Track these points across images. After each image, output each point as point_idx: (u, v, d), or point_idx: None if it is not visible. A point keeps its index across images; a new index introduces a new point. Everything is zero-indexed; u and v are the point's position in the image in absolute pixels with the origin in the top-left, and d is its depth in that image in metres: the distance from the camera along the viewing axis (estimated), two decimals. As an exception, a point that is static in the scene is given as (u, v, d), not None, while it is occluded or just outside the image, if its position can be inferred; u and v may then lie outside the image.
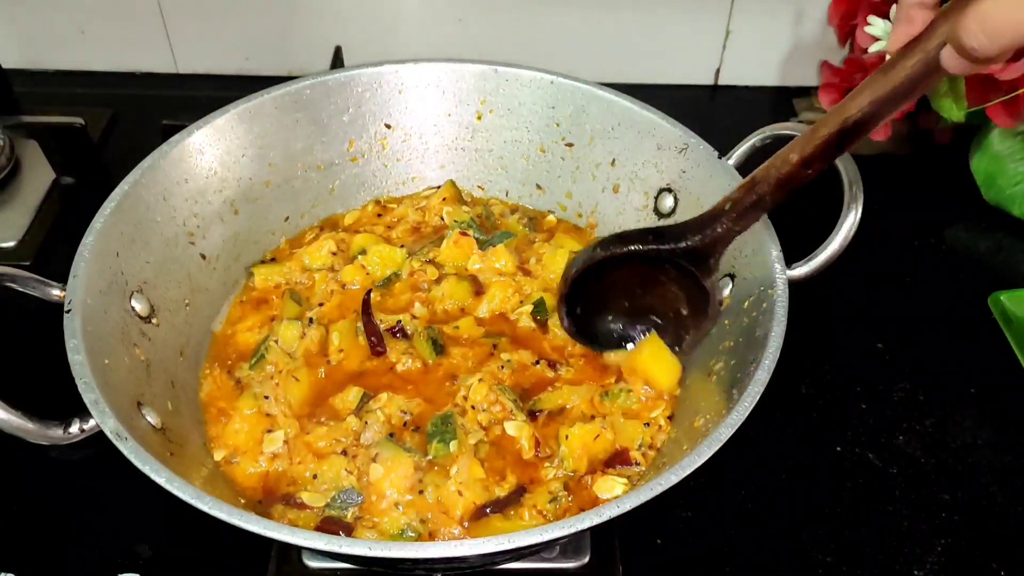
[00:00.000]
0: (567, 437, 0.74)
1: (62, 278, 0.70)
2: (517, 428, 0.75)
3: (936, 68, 0.56)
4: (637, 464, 0.75)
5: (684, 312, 0.78)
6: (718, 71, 1.33)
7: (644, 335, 0.81)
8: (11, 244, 1.04)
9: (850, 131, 0.62)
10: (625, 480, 0.73)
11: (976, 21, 0.50)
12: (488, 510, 0.71)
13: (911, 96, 0.59)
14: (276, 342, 0.82)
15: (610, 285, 0.78)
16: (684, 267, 0.73)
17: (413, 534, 0.70)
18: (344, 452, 0.74)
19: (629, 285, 0.78)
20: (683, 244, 0.73)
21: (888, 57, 0.60)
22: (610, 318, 0.81)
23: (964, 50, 0.52)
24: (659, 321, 0.80)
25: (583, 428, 0.75)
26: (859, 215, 0.73)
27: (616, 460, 0.75)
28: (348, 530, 0.69)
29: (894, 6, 0.59)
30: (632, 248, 0.74)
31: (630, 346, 0.82)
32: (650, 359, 0.80)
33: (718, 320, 0.77)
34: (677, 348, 0.80)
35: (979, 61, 0.52)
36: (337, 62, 1.19)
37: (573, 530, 0.57)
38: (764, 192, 0.68)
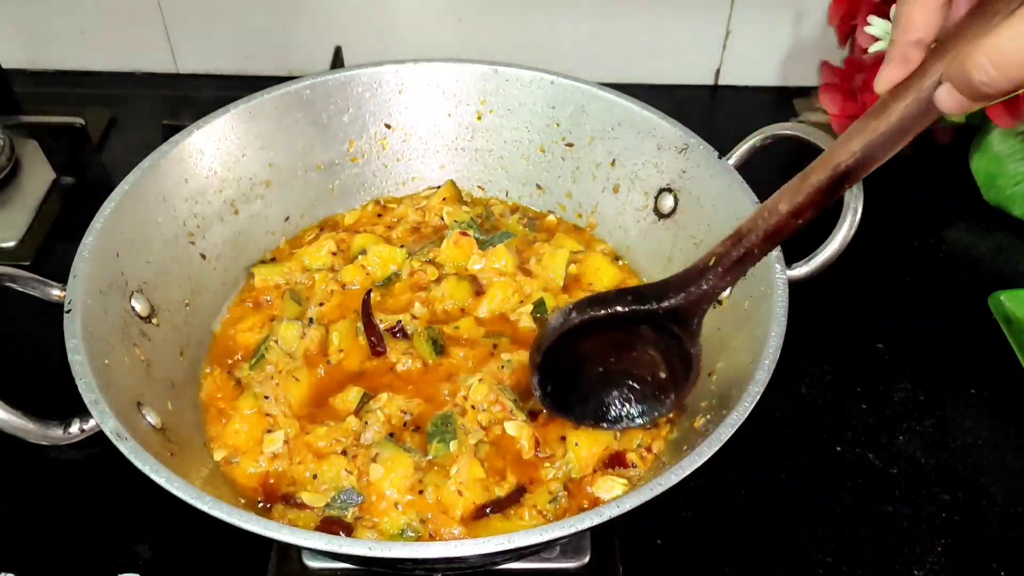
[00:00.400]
0: (576, 444, 0.74)
1: (62, 278, 0.70)
2: (517, 428, 0.75)
3: (930, 109, 0.53)
4: (634, 466, 0.74)
5: (663, 375, 0.72)
6: (718, 71, 1.33)
7: (623, 404, 0.74)
8: (11, 244, 1.04)
9: (841, 178, 0.59)
10: (624, 481, 0.73)
11: (987, 55, 0.47)
12: (488, 510, 0.71)
13: (904, 139, 0.56)
14: (276, 342, 0.82)
15: (585, 350, 0.72)
16: (667, 328, 0.68)
17: (413, 534, 0.70)
18: (344, 452, 0.74)
19: (605, 350, 0.72)
20: (665, 304, 0.68)
21: (879, 97, 0.57)
22: (586, 386, 0.74)
23: (970, 86, 0.49)
24: (640, 388, 0.73)
25: (590, 435, 0.74)
26: (859, 215, 0.73)
27: (614, 462, 0.75)
28: (348, 530, 0.69)
29: (893, 7, 0.57)
30: (611, 311, 0.69)
31: (606, 425, 0.74)
32: None
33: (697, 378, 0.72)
34: (657, 413, 0.74)
35: (982, 98, 0.50)
36: (337, 62, 1.19)
37: (573, 530, 0.57)
38: (752, 245, 0.64)
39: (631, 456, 0.75)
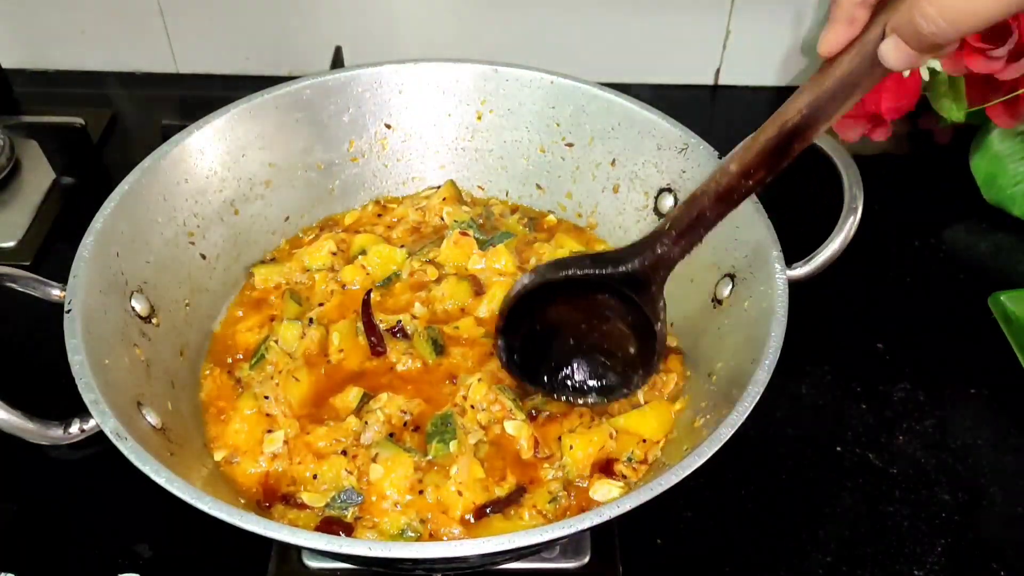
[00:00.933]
0: (571, 447, 0.74)
1: (62, 278, 0.70)
2: (516, 428, 0.75)
3: (875, 63, 0.53)
4: (624, 477, 0.73)
5: (632, 350, 0.72)
6: (718, 71, 1.33)
7: (592, 378, 0.74)
8: (11, 244, 1.04)
9: (790, 135, 0.58)
10: (621, 484, 0.73)
11: (934, 5, 0.47)
12: (488, 510, 0.71)
13: (852, 96, 0.55)
14: (276, 342, 0.82)
15: (552, 319, 0.73)
16: (625, 295, 0.68)
17: (413, 534, 0.70)
18: (344, 452, 0.74)
19: (573, 321, 0.73)
20: (621, 268, 0.68)
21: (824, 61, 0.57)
22: (555, 356, 0.74)
23: (918, 36, 0.48)
24: (606, 360, 0.73)
25: (584, 436, 0.74)
26: (859, 215, 0.73)
27: (604, 470, 0.74)
28: (348, 530, 0.69)
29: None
30: (568, 273, 0.70)
31: (581, 400, 0.75)
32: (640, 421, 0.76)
33: (663, 351, 0.72)
34: (626, 390, 0.74)
35: (930, 49, 0.49)
36: (337, 62, 1.19)
37: (573, 530, 0.57)
38: (704, 207, 0.64)
39: (620, 467, 0.74)
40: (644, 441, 0.75)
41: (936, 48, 0.49)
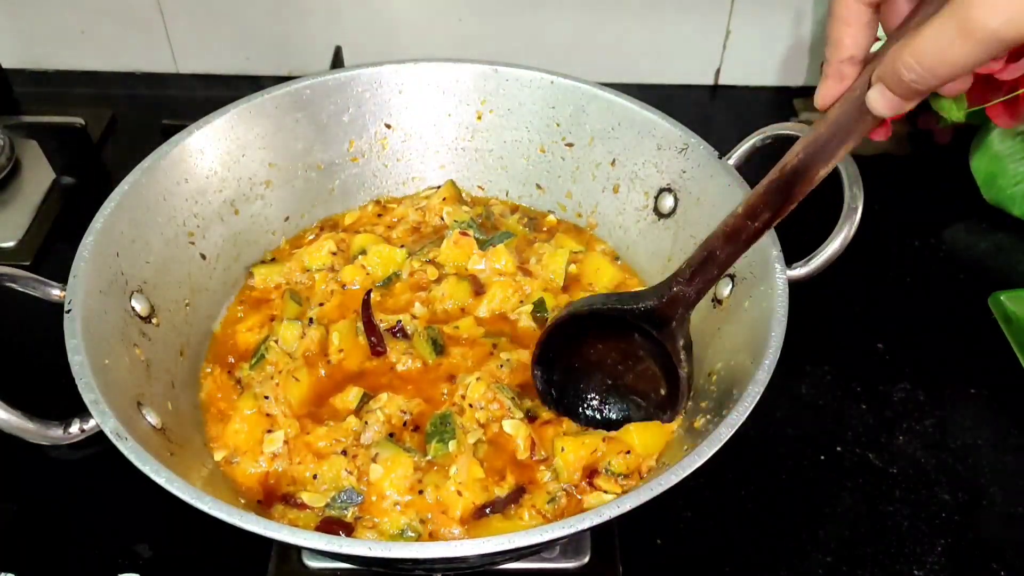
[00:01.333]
0: (563, 449, 0.74)
1: (62, 278, 0.70)
2: (515, 427, 0.75)
3: (864, 111, 0.56)
4: (606, 492, 0.72)
5: (662, 391, 0.75)
6: (718, 71, 1.33)
7: (619, 413, 0.78)
8: (11, 244, 1.04)
9: (791, 177, 0.62)
10: (614, 495, 0.72)
11: (912, 55, 0.50)
12: (488, 510, 0.71)
13: (846, 141, 0.59)
14: (276, 342, 0.82)
15: (587, 358, 0.77)
16: (651, 335, 0.72)
17: (413, 534, 0.70)
18: (344, 452, 0.74)
19: (607, 360, 0.77)
20: (641, 305, 0.72)
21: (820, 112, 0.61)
22: (587, 392, 0.78)
23: (901, 84, 0.52)
24: (637, 399, 0.77)
25: (575, 441, 0.74)
26: (859, 215, 0.73)
27: (591, 478, 0.73)
28: (348, 530, 0.69)
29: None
30: (594, 308, 0.75)
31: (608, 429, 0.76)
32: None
33: (689, 394, 0.74)
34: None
35: (914, 96, 0.53)
36: (337, 62, 1.19)
37: (573, 530, 0.57)
38: (714, 247, 0.68)
39: (600, 480, 0.73)
40: (628, 453, 0.74)
41: (919, 94, 0.53)
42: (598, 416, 0.78)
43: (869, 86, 0.55)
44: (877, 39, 0.58)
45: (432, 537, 0.70)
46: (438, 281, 0.88)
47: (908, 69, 0.50)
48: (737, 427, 0.62)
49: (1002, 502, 0.83)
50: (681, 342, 0.72)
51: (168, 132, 0.84)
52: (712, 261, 0.69)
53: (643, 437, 0.74)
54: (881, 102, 0.54)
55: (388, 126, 0.97)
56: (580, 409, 0.78)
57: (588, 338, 0.77)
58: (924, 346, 0.97)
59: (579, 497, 0.73)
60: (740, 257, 0.68)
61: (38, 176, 1.12)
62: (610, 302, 0.75)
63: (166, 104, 1.29)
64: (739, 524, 0.81)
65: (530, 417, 0.77)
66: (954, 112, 1.08)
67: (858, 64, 0.57)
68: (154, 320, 0.77)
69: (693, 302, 0.71)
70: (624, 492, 0.72)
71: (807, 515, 0.82)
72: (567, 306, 0.78)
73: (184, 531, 0.79)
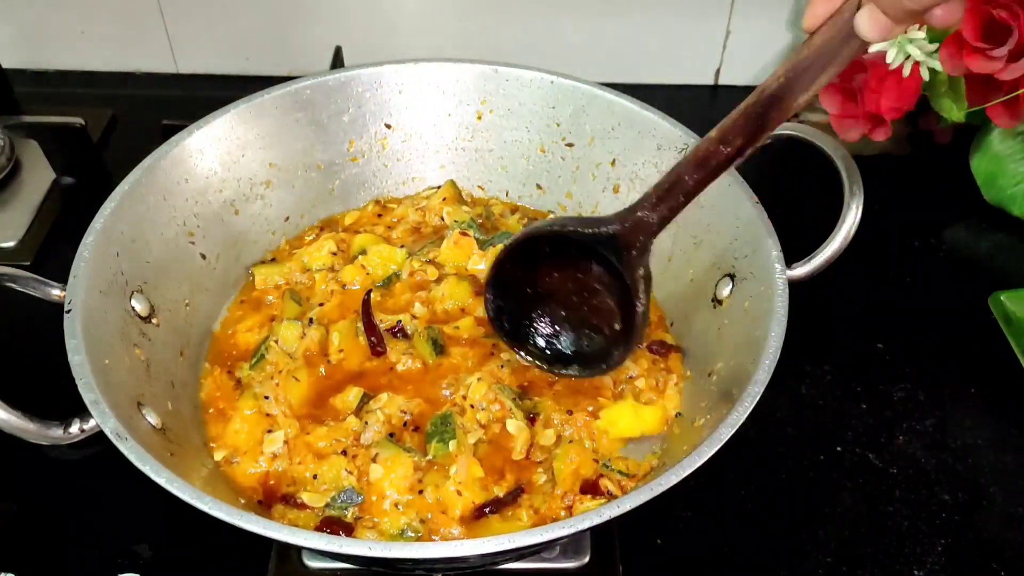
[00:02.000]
0: (557, 452, 0.74)
1: (62, 278, 0.70)
2: (517, 428, 0.75)
3: (850, 35, 0.54)
4: (609, 493, 0.72)
5: (617, 326, 0.72)
6: (718, 71, 1.33)
7: (574, 347, 0.75)
8: (11, 244, 1.04)
9: (768, 102, 0.60)
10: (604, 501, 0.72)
11: None
12: (487, 510, 0.71)
13: (828, 67, 0.57)
14: (276, 342, 0.82)
15: (542, 286, 0.74)
16: (608, 261, 0.69)
17: (413, 534, 0.70)
18: (344, 452, 0.74)
19: (561, 290, 0.73)
20: (602, 229, 0.68)
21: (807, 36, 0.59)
22: (539, 321, 0.75)
23: (894, 3, 0.49)
24: (590, 333, 0.74)
25: (567, 448, 0.74)
26: (859, 215, 0.73)
27: (589, 489, 0.73)
28: (348, 530, 0.69)
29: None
30: (553, 228, 0.71)
31: (562, 369, 0.76)
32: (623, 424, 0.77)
33: (644, 330, 0.72)
34: (604, 365, 0.74)
35: (906, 18, 0.50)
36: (337, 62, 1.19)
37: (573, 530, 0.57)
38: (683, 172, 0.65)
39: (604, 483, 0.73)
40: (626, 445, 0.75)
41: (910, 15, 0.50)
42: (548, 347, 0.75)
43: (859, 7, 0.53)
44: None
45: (432, 537, 0.70)
46: (438, 281, 0.88)
47: None
48: (737, 427, 0.62)
49: (1002, 502, 0.83)
50: (640, 271, 0.69)
51: (168, 132, 0.85)
52: (679, 187, 0.66)
53: (628, 421, 0.76)
54: (870, 24, 0.52)
55: (388, 126, 0.97)
56: (531, 340, 0.75)
57: (544, 265, 0.73)
58: (924, 346, 0.97)
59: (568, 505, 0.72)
60: (708, 186, 0.65)
61: (38, 176, 1.12)
62: (571, 224, 0.71)
63: (166, 104, 1.29)
64: (739, 524, 0.81)
65: (531, 417, 0.77)
66: (954, 112, 1.08)
67: None
68: (154, 320, 0.77)
69: (656, 230, 0.68)
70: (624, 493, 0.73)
71: (807, 515, 0.82)
72: (525, 227, 0.74)
73: (184, 531, 0.79)
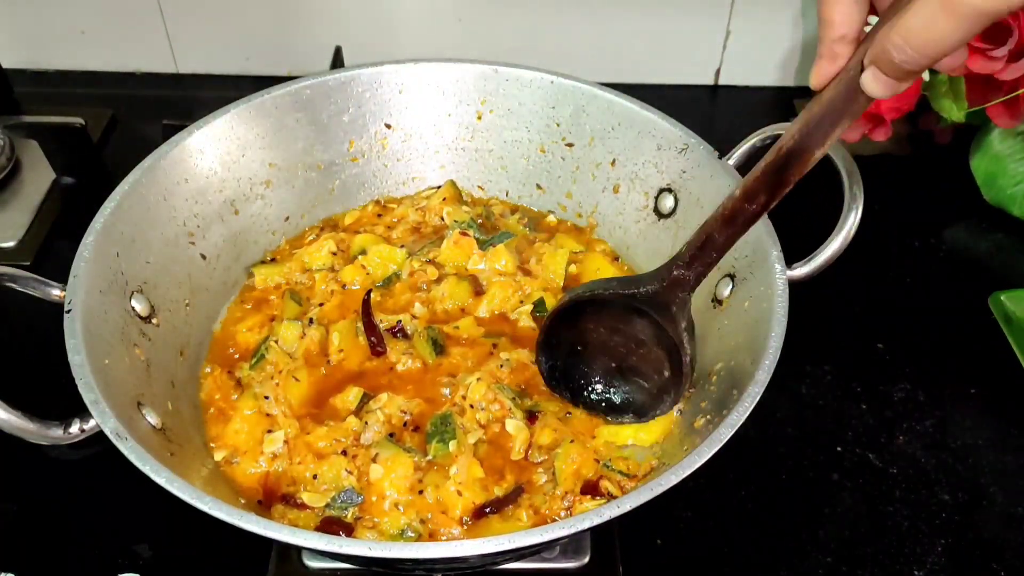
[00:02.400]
0: (558, 453, 0.74)
1: (62, 278, 0.70)
2: (516, 427, 0.75)
3: (857, 91, 0.56)
4: (609, 494, 0.72)
5: (665, 373, 0.75)
6: (718, 71, 1.33)
7: (622, 396, 0.78)
8: (11, 244, 1.04)
9: (786, 159, 0.62)
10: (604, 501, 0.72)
11: (900, 35, 0.50)
12: (488, 510, 0.71)
13: (840, 122, 0.59)
14: (276, 342, 0.82)
15: (591, 343, 0.78)
16: (650, 315, 0.73)
17: (413, 534, 0.70)
18: (344, 452, 0.74)
19: (611, 344, 0.77)
20: (641, 289, 0.73)
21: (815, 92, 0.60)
22: (591, 375, 0.79)
23: (892, 65, 0.52)
24: (640, 382, 0.77)
25: (568, 448, 0.74)
26: (859, 215, 0.73)
27: (590, 490, 0.73)
28: (348, 530, 0.69)
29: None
30: (596, 293, 0.75)
31: (616, 418, 0.78)
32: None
33: (692, 376, 0.75)
34: (658, 411, 0.77)
35: (906, 77, 0.52)
36: (337, 62, 1.19)
37: (573, 530, 0.57)
38: (712, 230, 0.68)
39: (604, 483, 0.73)
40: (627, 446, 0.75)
41: (910, 75, 0.52)
42: (602, 400, 0.78)
43: (863, 67, 0.55)
44: (868, 24, 0.58)
45: (432, 537, 0.70)
46: (438, 281, 0.88)
47: (897, 50, 0.50)
48: (737, 427, 0.62)
49: (1002, 502, 0.83)
50: (683, 324, 0.73)
51: (168, 132, 0.84)
52: (711, 244, 0.69)
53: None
54: (875, 84, 0.54)
55: (388, 126, 0.97)
56: (584, 393, 0.79)
57: (591, 323, 0.77)
58: (924, 346, 0.97)
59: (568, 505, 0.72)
60: (738, 240, 0.68)
61: (38, 176, 1.12)
62: (611, 287, 0.75)
63: (166, 104, 1.29)
64: (739, 524, 0.81)
65: (530, 417, 0.77)
66: (954, 112, 1.08)
67: (851, 43, 0.57)
68: (154, 320, 0.77)
69: (693, 285, 0.71)
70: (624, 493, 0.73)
71: (807, 515, 0.82)
72: (569, 292, 0.79)
73: (184, 531, 0.79)
